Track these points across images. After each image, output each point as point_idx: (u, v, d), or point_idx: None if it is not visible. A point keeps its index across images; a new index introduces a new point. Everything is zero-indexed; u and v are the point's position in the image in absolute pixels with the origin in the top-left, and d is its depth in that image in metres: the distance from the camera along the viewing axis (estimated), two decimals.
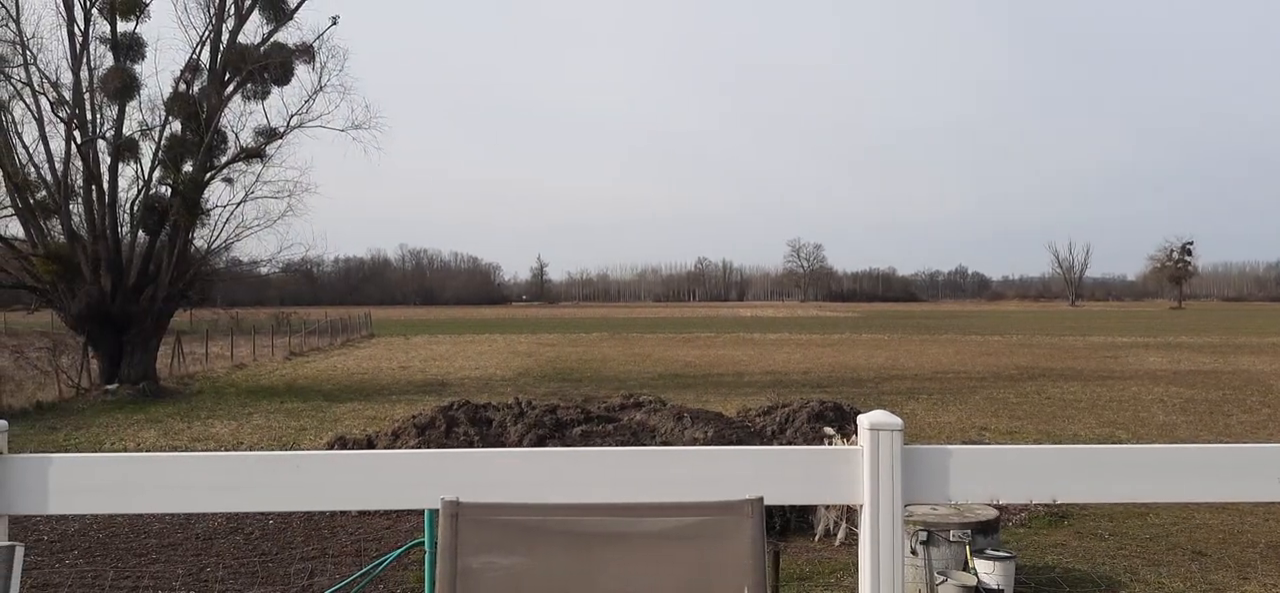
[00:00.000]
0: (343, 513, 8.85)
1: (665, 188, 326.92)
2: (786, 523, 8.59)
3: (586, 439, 10.77)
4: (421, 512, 6.52)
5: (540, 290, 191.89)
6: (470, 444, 10.53)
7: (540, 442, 10.60)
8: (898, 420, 2.40)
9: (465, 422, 11.39)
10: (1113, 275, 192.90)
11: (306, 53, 24.58)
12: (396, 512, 8.73)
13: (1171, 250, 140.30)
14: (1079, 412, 17.97)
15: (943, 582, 6.32)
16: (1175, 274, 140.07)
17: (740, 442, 10.42)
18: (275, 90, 24.88)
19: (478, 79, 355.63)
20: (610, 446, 10.32)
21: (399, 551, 6.28)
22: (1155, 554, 8.01)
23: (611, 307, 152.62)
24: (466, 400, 12.93)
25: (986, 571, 6.34)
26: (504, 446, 10.46)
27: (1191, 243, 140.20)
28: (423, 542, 5.20)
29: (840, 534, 8.38)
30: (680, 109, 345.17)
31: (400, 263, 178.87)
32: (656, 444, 10.78)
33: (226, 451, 12.68)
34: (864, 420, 2.41)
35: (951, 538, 6.54)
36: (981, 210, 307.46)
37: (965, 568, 6.43)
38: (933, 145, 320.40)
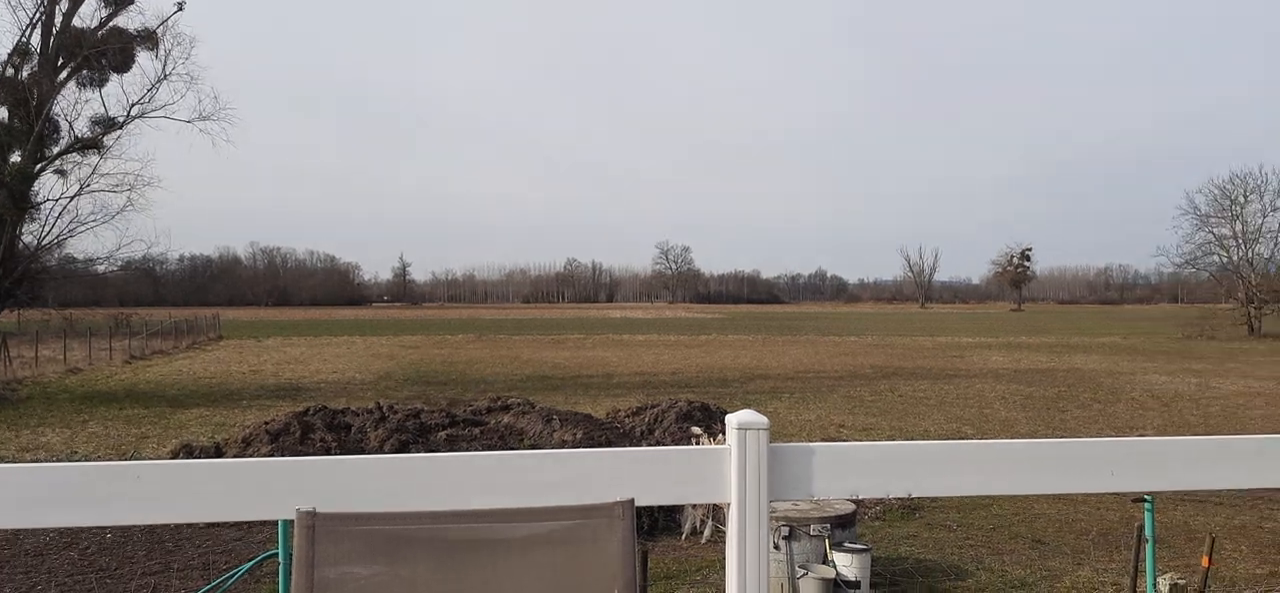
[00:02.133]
0: (189, 525, 8.42)
1: (535, 188, 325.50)
2: (654, 523, 8.65)
3: (452, 444, 10.57)
4: (274, 522, 6.26)
5: (403, 291, 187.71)
6: (327, 451, 10.18)
7: (402, 447, 10.34)
8: (764, 420, 2.42)
9: (322, 428, 11.01)
10: (959, 279, 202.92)
11: (149, 39, 23.33)
12: (248, 522, 8.36)
13: (1012, 256, 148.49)
14: (929, 409, 18.78)
15: (803, 576, 6.48)
16: (1015, 278, 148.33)
17: (610, 443, 10.44)
18: (114, 78, 23.54)
19: (338, 71, 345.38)
20: (477, 450, 10.16)
21: (250, 563, 6.00)
22: (998, 543, 8.44)
23: (478, 308, 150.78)
24: (323, 406, 12.52)
25: (845, 563, 6.54)
26: (364, 452, 10.16)
27: (1030, 249, 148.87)
28: (276, 553, 4.98)
29: (707, 532, 8.49)
30: (551, 108, 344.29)
31: (251, 261, 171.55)
32: (525, 448, 10.68)
33: (58, 461, 11.87)
34: (732, 420, 2.43)
35: (812, 533, 6.72)
36: (839, 216, 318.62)
37: (825, 561, 6.61)
38: (794, 152, 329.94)
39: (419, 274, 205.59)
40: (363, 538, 2.07)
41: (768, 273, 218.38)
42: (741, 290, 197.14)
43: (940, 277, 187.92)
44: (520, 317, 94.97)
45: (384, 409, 11.79)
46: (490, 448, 10.45)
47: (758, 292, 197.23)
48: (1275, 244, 54.37)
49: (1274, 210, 54.01)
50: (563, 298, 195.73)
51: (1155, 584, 5.41)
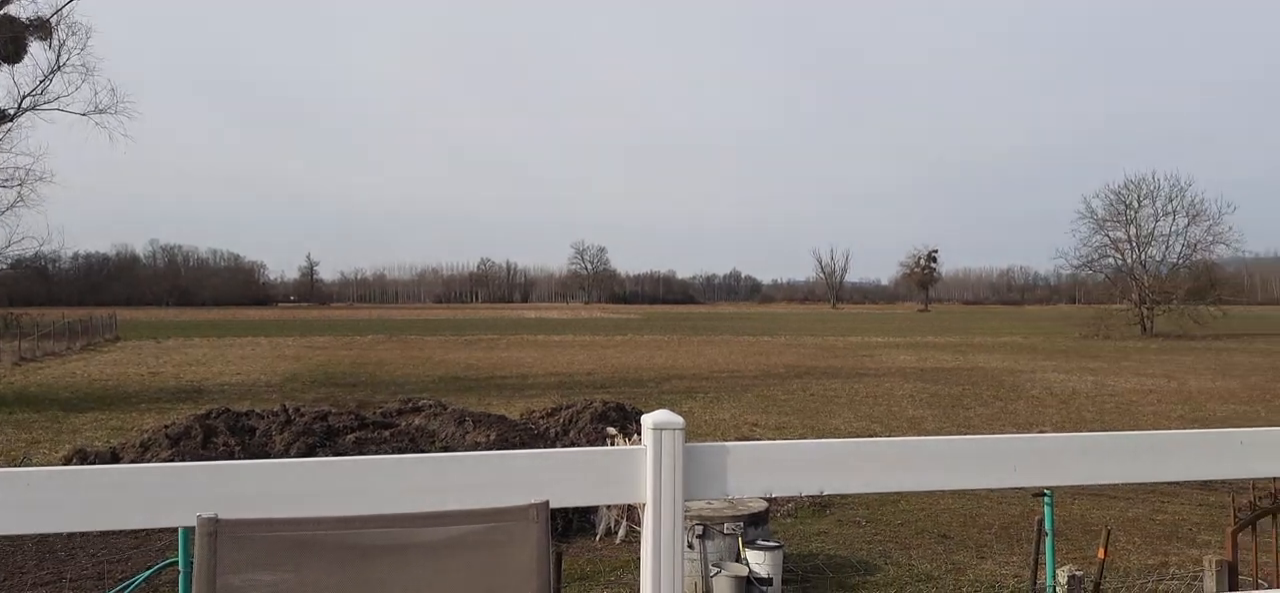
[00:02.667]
0: (82, 534, 8.08)
1: (448, 187, 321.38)
2: (568, 524, 8.62)
3: (361, 447, 10.37)
4: (175, 529, 6.04)
5: (310, 291, 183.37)
6: (231, 455, 9.88)
7: (310, 451, 10.11)
8: (680, 420, 2.43)
9: (225, 431, 10.69)
10: (869, 280, 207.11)
11: (42, 28, 22.35)
12: (146, 530, 8.06)
13: (919, 258, 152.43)
14: (840, 407, 19.15)
15: (717, 574, 6.53)
16: (922, 280, 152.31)
17: (524, 444, 10.37)
18: (4, 68, 22.41)
19: (244, 65, 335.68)
20: (387, 453, 9.99)
21: (148, 572, 5.78)
22: (906, 538, 8.64)
23: (389, 308, 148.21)
24: (226, 408, 12.15)
25: (757, 561, 6.62)
26: (269, 456, 9.89)
27: (936, 251, 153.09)
28: (176, 561, 4.81)
29: (621, 532, 8.50)
30: (464, 107, 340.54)
31: (151, 260, 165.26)
32: (437, 450, 10.54)
33: None
34: (648, 420, 2.43)
35: (725, 531, 6.78)
36: (754, 217, 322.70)
37: (738, 559, 6.68)
38: (710, 153, 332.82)
39: (327, 273, 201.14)
40: (267, 544, 2.01)
41: (683, 273, 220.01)
42: (657, 291, 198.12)
43: (851, 278, 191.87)
44: (432, 317, 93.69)
45: (290, 412, 11.50)
46: (400, 451, 10.28)
47: (673, 292, 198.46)
48: (1166, 247, 57.04)
49: (1165, 215, 56.65)
50: (476, 298, 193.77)
51: (1054, 576, 5.60)
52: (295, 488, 2.24)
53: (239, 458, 9.48)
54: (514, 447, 10.33)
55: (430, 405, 13.03)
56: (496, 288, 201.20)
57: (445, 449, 10.48)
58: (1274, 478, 4.42)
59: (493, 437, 10.67)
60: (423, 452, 10.14)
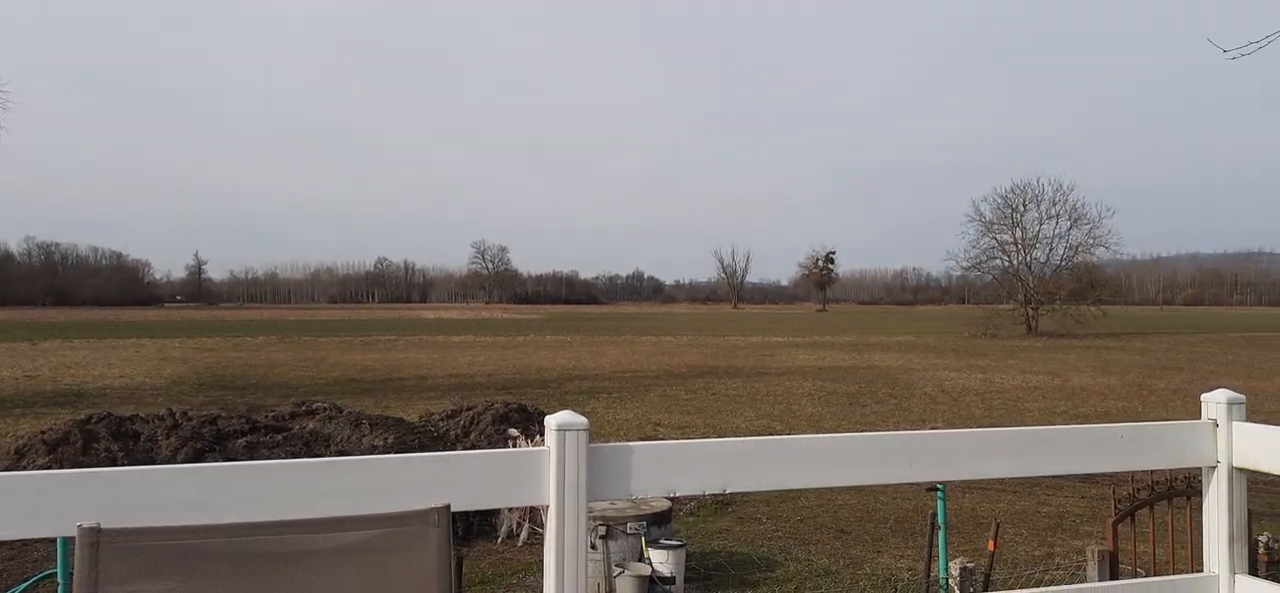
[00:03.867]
0: None
1: (344, 184, 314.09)
2: (469, 527, 8.51)
3: (252, 452, 10.04)
4: (53, 539, 5.74)
5: (198, 290, 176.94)
6: (113, 462, 9.45)
7: (198, 456, 9.74)
8: (583, 420, 2.42)
9: (107, 436, 10.22)
10: (769, 281, 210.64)
11: None
12: (22, 541, 7.64)
13: (818, 259, 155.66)
14: (741, 405, 19.39)
15: (619, 574, 6.53)
16: (820, 280, 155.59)
17: (423, 447, 10.19)
18: None
19: (129, 55, 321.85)
20: (279, 458, 9.69)
21: (25, 584, 5.49)
22: (805, 534, 8.80)
23: (281, 308, 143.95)
24: (109, 413, 11.61)
25: (660, 560, 6.64)
26: (155, 462, 9.50)
27: (834, 253, 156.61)
28: (55, 573, 4.57)
29: (524, 534, 8.43)
30: (361, 103, 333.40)
31: (25, 257, 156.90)
32: (332, 454, 10.27)
33: None
34: (551, 421, 2.41)
35: (628, 531, 6.79)
36: (656, 218, 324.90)
37: (641, 559, 6.69)
38: (613, 154, 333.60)
39: (216, 273, 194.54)
40: (153, 554, 1.92)
41: (586, 274, 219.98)
42: (560, 291, 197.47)
43: (752, 278, 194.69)
44: (327, 318, 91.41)
45: (177, 416, 11.06)
46: (294, 455, 9.99)
47: (576, 292, 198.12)
48: (1050, 250, 59.53)
49: (1049, 218, 59.14)
50: (373, 298, 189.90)
51: (947, 569, 5.77)
52: (182, 495, 2.15)
53: (123, 465, 9.07)
54: (413, 450, 10.15)
55: (325, 408, 12.69)
56: (394, 288, 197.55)
57: (341, 454, 10.23)
58: (1151, 471, 4.65)
59: (390, 440, 10.46)
60: (317, 457, 9.87)
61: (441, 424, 12.03)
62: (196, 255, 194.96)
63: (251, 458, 9.66)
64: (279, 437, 10.64)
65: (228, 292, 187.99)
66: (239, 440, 10.32)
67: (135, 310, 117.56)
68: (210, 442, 10.19)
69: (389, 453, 9.31)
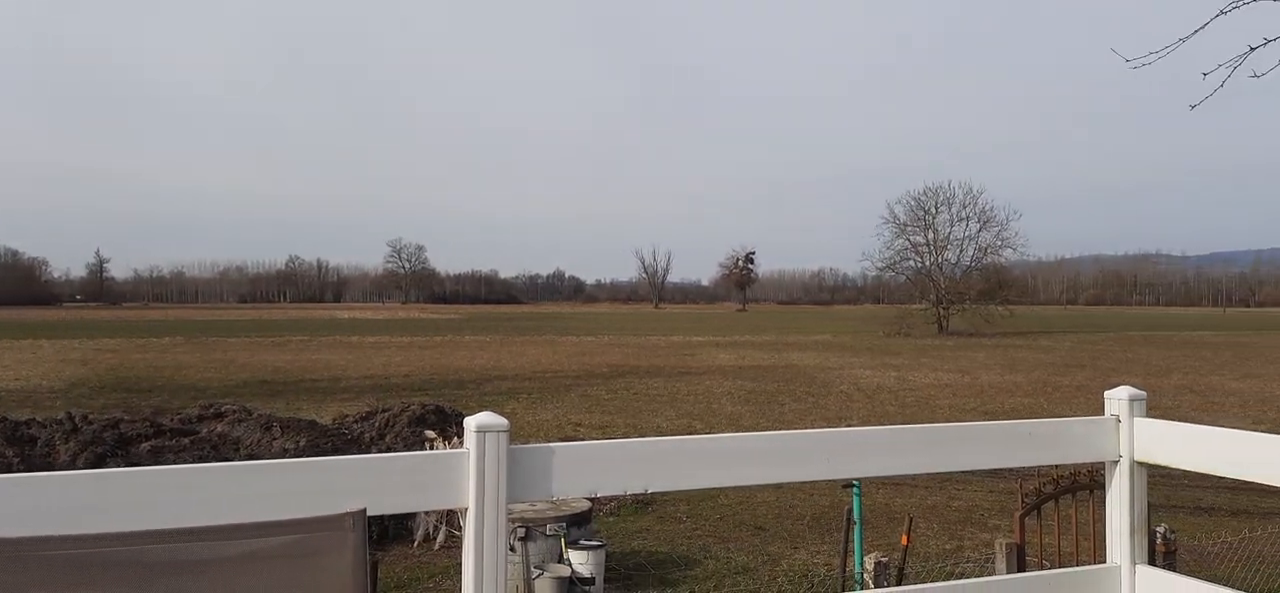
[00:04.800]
0: None
1: (254, 179, 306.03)
2: (384, 531, 8.37)
3: (157, 457, 9.70)
4: None
5: (99, 290, 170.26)
6: (8, 468, 9.03)
7: (99, 461, 9.37)
8: (504, 421, 2.39)
9: (1, 441, 9.77)
10: (690, 281, 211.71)
11: None
12: None
13: (738, 260, 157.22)
14: (661, 405, 19.47)
15: (539, 576, 6.49)
16: (740, 280, 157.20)
17: (336, 451, 9.98)
18: None
19: (18, 36, 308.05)
20: (186, 462, 9.39)
21: None
22: (724, 532, 8.87)
23: (188, 308, 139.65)
24: (3, 417, 11.10)
25: (580, 561, 6.62)
26: (52, 468, 9.11)
27: (753, 253, 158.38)
28: None
29: (440, 537, 8.32)
30: (273, 94, 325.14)
31: None
32: (241, 458, 9.99)
33: None
34: (470, 422, 2.38)
35: (548, 532, 6.75)
36: (577, 217, 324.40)
37: (560, 560, 6.66)
38: (534, 152, 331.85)
39: (119, 271, 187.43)
40: (50, 564, 1.83)
41: (506, 273, 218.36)
42: (479, 291, 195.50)
43: (673, 278, 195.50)
44: (236, 317, 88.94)
45: (76, 420, 10.63)
46: (202, 460, 9.69)
47: (495, 292, 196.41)
48: (960, 251, 61.18)
49: (960, 221, 60.78)
50: (284, 298, 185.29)
51: (862, 563, 5.88)
52: (81, 502, 2.06)
53: (18, 471, 8.67)
54: (326, 453, 9.93)
55: (234, 411, 12.34)
56: (306, 287, 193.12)
57: (251, 458, 9.96)
58: (1056, 465, 4.81)
59: (303, 443, 10.22)
60: (226, 461, 9.59)
61: (356, 427, 11.80)
62: (98, 253, 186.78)
63: (156, 463, 9.33)
64: (185, 441, 10.31)
65: (131, 291, 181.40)
66: (143, 445, 9.96)
67: (32, 310, 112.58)
68: (112, 447, 9.81)
69: (301, 457, 9.10)
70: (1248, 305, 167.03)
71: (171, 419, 11.94)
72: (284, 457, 9.71)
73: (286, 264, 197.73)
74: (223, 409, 12.59)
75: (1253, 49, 4.29)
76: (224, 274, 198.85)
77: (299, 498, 2.15)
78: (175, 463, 9.18)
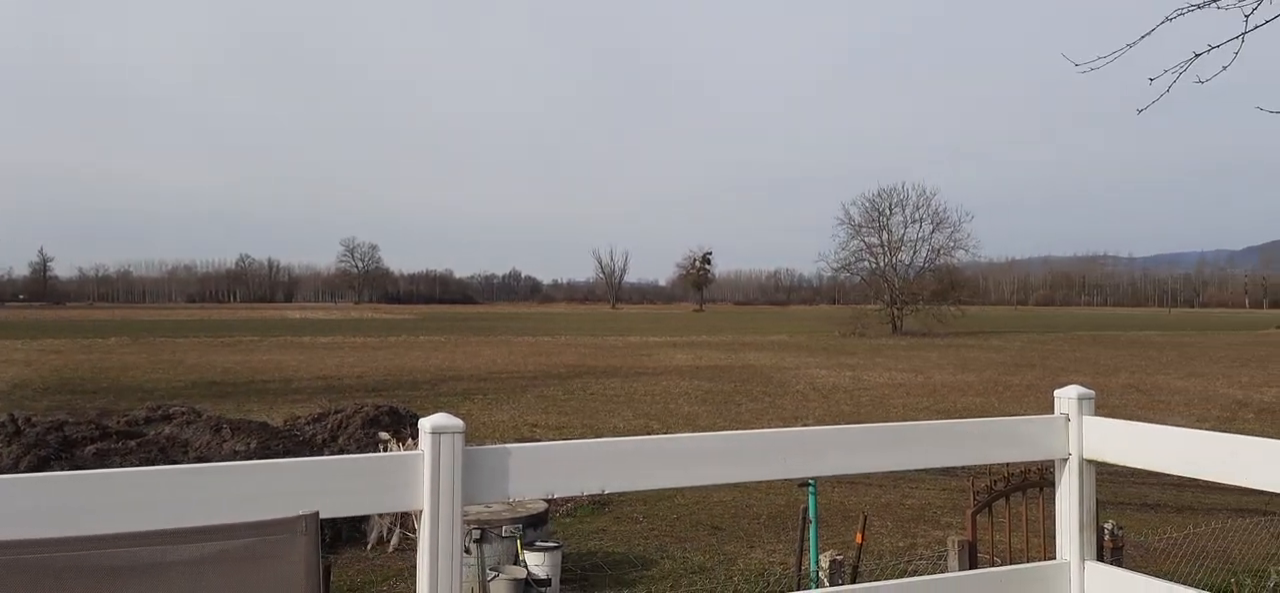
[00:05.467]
0: None
1: (204, 177, 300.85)
2: (337, 534, 8.26)
3: (103, 460, 9.50)
4: None
5: (43, 289, 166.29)
6: None
7: (42, 465, 9.16)
8: (459, 422, 2.37)
9: None
10: (647, 281, 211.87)
11: None
12: None
13: (695, 260, 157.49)
14: (619, 405, 19.46)
15: (494, 578, 6.45)
16: (697, 280, 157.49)
17: (288, 453, 9.84)
18: None
19: None
20: (133, 465, 9.21)
21: None
22: (681, 532, 8.89)
23: (135, 308, 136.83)
24: None
25: (536, 563, 6.59)
26: None
27: (710, 254, 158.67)
28: None
29: (394, 540, 8.24)
30: (225, 91, 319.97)
31: None
32: (190, 461, 9.81)
33: None
34: (425, 424, 2.35)
35: (504, 534, 6.71)
36: (534, 217, 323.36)
37: (516, 562, 6.63)
38: (490, 152, 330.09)
39: (63, 270, 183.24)
40: None
41: (461, 273, 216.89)
42: (433, 290, 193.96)
43: (630, 278, 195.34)
44: (185, 318, 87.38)
45: (19, 422, 10.37)
46: (149, 463, 9.50)
47: (451, 292, 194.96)
48: (914, 252, 61.91)
49: (913, 222, 61.51)
50: (235, 297, 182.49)
51: (818, 562, 5.92)
52: (24, 507, 2.01)
53: None
54: (277, 455, 9.79)
55: (182, 413, 12.12)
56: (257, 287, 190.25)
57: (200, 460, 9.79)
58: (1007, 463, 4.89)
59: (253, 445, 10.07)
60: (175, 464, 9.41)
61: (308, 429, 11.65)
62: (41, 251, 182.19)
63: (102, 467, 9.13)
64: (132, 444, 10.11)
65: (77, 290, 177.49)
66: (88, 448, 9.75)
67: None
68: (56, 449, 9.59)
69: (252, 459, 8.96)
70: (1192, 306, 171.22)
71: (118, 422, 11.70)
72: (234, 459, 9.56)
73: (237, 263, 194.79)
74: (171, 411, 12.37)
75: (1197, 55, 4.39)
76: (172, 274, 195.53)
77: (250, 501, 2.12)
78: (122, 467, 9.00)
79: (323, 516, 2.08)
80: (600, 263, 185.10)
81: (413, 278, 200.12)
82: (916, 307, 59.00)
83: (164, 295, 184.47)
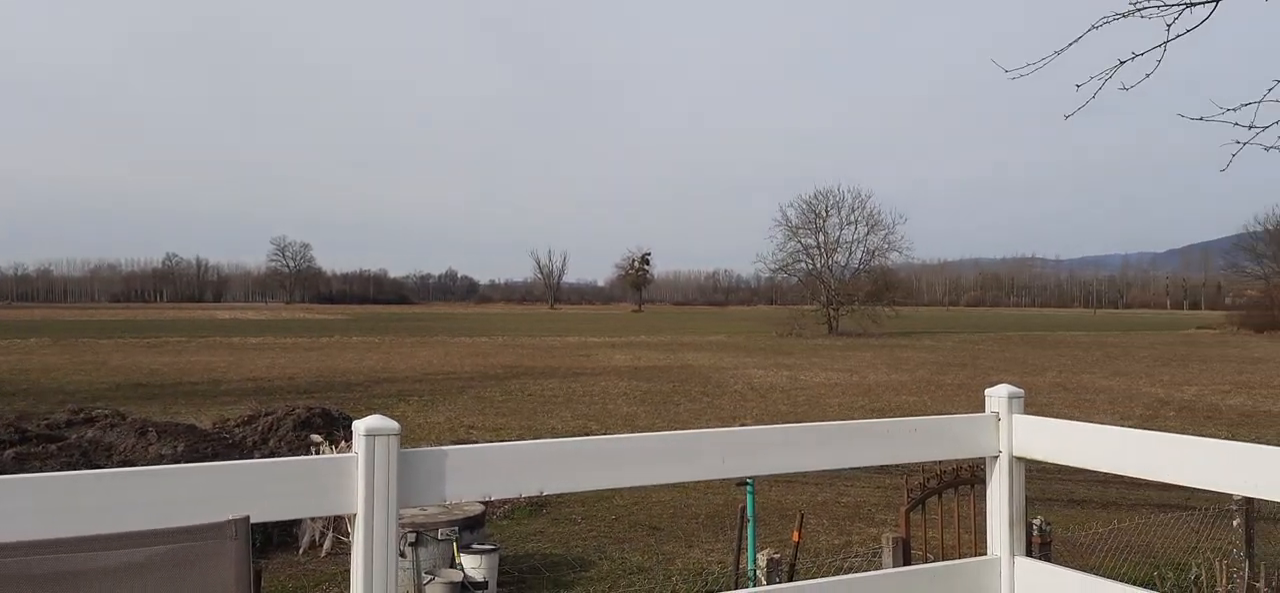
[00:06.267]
0: None
1: (128, 173, 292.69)
2: (268, 538, 8.10)
3: (22, 464, 9.18)
4: None
5: None
6: None
7: None
8: (394, 424, 2.33)
9: None
10: (586, 281, 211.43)
11: None
12: None
13: (634, 261, 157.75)
14: (557, 406, 19.40)
15: (429, 581, 6.38)
16: (636, 281, 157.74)
17: (217, 456, 9.63)
18: None
19: None
20: (54, 470, 8.92)
21: None
22: (620, 533, 8.89)
23: (56, 307, 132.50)
24: None
25: (473, 565, 6.53)
26: None
27: (649, 254, 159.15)
28: None
29: (327, 544, 8.11)
30: (149, 83, 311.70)
31: None
32: (114, 465, 9.53)
33: None
34: (359, 426, 2.32)
35: (440, 537, 6.64)
36: (471, 217, 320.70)
37: (452, 565, 6.56)
38: (425, 150, 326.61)
39: None
40: None
41: (396, 272, 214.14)
42: (367, 290, 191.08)
43: (568, 279, 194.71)
44: (109, 318, 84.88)
45: None
46: (71, 467, 9.21)
47: (385, 292, 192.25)
48: (850, 253, 62.75)
49: (849, 223, 62.34)
50: (161, 297, 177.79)
51: (755, 560, 5.96)
52: None
53: None
54: (206, 459, 9.56)
55: (106, 416, 11.78)
56: (185, 286, 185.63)
57: (125, 464, 9.51)
58: (940, 461, 4.97)
59: (181, 449, 9.83)
60: (98, 468, 9.13)
61: (238, 431, 11.41)
62: None
63: (21, 471, 8.82)
64: (53, 447, 9.80)
65: None
66: (7, 452, 9.43)
67: None
68: None
69: (179, 463, 8.75)
70: (1116, 307, 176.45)
71: (38, 424, 11.31)
72: (161, 463, 9.31)
73: (163, 262, 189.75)
74: (94, 414, 12.01)
75: (1122, 62, 4.52)
76: (95, 272, 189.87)
77: (178, 506, 2.06)
78: (42, 472, 8.70)
79: (254, 520, 2.03)
80: (538, 263, 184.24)
81: (346, 278, 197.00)
82: (852, 307, 59.82)
83: (86, 295, 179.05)
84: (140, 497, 2.08)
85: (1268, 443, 2.48)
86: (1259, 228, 74.39)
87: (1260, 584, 5.31)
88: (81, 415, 11.91)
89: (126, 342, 43.39)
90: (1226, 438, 2.68)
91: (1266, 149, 4.67)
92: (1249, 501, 6.36)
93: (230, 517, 1.97)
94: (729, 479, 5.13)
